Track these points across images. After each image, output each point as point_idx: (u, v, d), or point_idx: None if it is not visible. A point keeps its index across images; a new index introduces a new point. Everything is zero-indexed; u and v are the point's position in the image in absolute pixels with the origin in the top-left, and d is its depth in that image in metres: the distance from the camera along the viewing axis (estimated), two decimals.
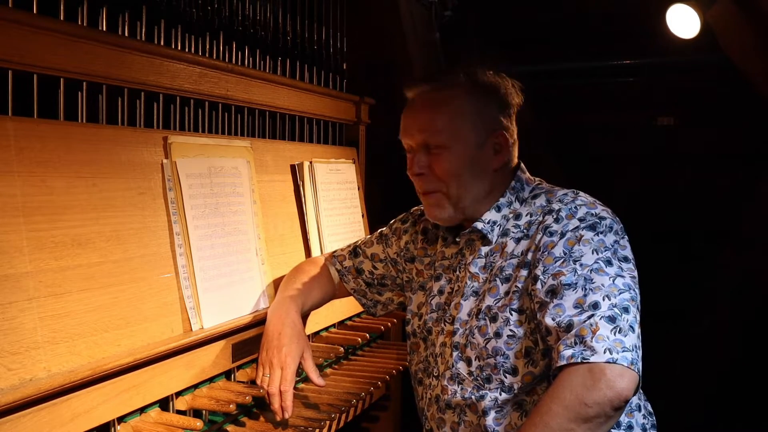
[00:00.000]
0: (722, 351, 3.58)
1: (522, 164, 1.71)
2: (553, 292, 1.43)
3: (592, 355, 1.31)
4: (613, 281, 1.40)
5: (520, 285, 1.53)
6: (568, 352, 1.33)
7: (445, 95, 1.62)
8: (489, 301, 1.57)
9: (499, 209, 1.63)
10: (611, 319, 1.34)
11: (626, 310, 1.37)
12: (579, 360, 1.31)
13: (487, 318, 1.55)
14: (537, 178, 1.72)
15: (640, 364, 1.34)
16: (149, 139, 1.66)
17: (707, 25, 3.16)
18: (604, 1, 3.64)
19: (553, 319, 1.40)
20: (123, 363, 1.40)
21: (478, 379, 1.56)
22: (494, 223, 1.63)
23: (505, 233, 1.62)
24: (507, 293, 1.55)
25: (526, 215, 1.61)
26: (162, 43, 1.82)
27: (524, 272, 1.53)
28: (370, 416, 2.35)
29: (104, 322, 1.43)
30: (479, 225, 1.63)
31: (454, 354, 1.60)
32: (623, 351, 1.31)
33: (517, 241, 1.59)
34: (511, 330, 1.52)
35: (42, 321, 1.30)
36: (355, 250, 1.97)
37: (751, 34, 3.09)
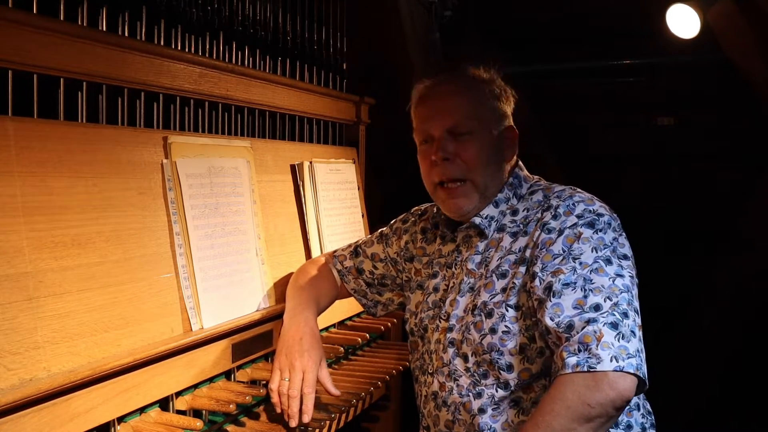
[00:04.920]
0: (722, 350, 3.58)
1: (520, 162, 1.72)
2: (551, 290, 1.42)
3: (599, 363, 1.31)
4: (613, 281, 1.40)
5: (517, 282, 1.53)
6: (572, 360, 1.33)
7: (465, 84, 1.64)
8: (484, 296, 1.57)
9: (496, 205, 1.64)
10: (614, 326, 1.34)
11: (626, 315, 1.37)
12: (585, 369, 1.31)
13: (482, 314, 1.55)
14: (535, 176, 1.73)
15: (644, 368, 1.34)
16: (149, 139, 1.66)
17: (707, 25, 3.16)
18: (604, 1, 3.63)
19: (552, 319, 1.40)
20: (123, 363, 1.40)
21: (476, 375, 1.56)
22: (491, 218, 1.63)
23: (501, 228, 1.62)
24: (504, 289, 1.55)
25: (523, 210, 1.61)
26: (162, 43, 1.82)
27: (522, 269, 1.53)
28: (370, 416, 2.35)
29: (104, 322, 1.43)
30: (477, 220, 1.63)
31: (450, 350, 1.60)
32: (628, 357, 1.31)
33: (514, 236, 1.59)
34: (506, 326, 1.52)
35: (42, 321, 1.30)
36: (356, 250, 1.97)
37: (752, 34, 3.09)
